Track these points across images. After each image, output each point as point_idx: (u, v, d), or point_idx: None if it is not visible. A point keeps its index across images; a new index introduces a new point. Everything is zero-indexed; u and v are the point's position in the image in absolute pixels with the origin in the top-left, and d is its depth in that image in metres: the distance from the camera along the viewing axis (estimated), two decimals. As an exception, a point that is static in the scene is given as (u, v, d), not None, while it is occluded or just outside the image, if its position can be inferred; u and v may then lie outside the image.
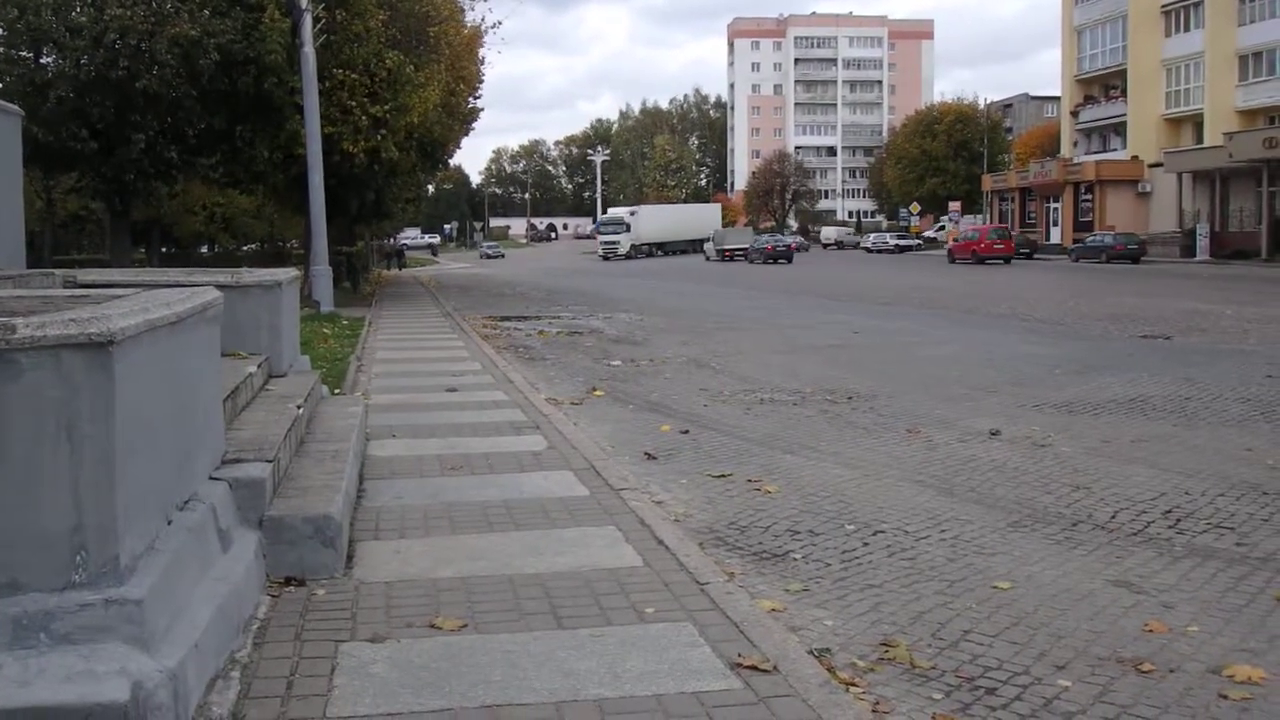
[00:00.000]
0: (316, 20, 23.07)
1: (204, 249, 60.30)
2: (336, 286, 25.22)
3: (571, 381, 13.02)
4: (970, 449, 8.65)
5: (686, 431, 9.49)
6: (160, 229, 48.81)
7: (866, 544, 6.05)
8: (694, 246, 76.83)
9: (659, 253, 74.86)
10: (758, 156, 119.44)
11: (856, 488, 7.35)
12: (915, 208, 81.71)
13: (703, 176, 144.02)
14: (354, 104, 25.01)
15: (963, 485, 7.43)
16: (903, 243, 73.94)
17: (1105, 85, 62.49)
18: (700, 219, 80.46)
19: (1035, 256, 56.29)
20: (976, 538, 6.16)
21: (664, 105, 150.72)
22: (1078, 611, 4.97)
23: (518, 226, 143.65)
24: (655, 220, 76.47)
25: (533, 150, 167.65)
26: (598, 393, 11.94)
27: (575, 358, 15.66)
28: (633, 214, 76.17)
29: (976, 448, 8.70)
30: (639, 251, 73.27)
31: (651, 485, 7.40)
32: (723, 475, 7.72)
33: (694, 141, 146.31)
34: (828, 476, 7.69)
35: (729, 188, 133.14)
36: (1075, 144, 65.04)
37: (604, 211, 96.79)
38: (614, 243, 73.63)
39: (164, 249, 53.05)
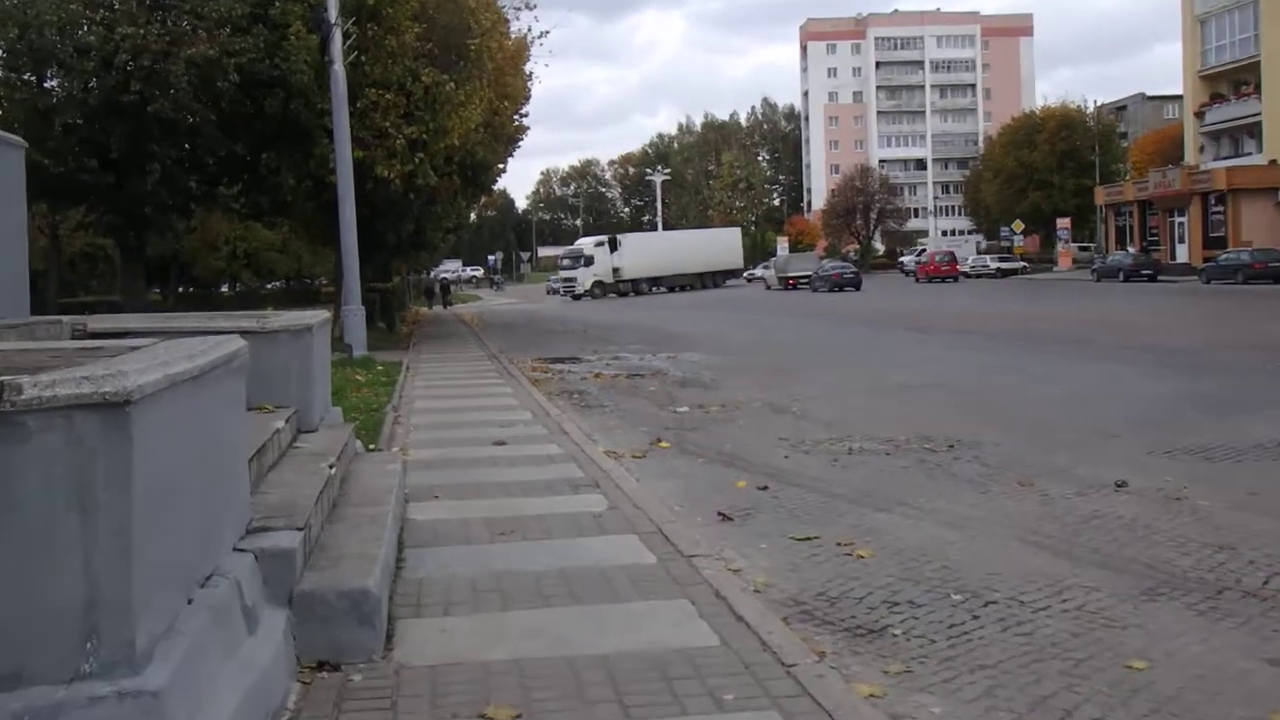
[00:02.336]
0: (346, 36, 23.53)
1: (224, 288, 61.55)
2: (370, 327, 25.58)
3: (633, 431, 13.01)
4: (1093, 503, 8.47)
5: (765, 488, 9.42)
6: (178, 266, 50.06)
7: (976, 616, 5.92)
8: (707, 280, 76.28)
9: (654, 289, 73.12)
10: (836, 172, 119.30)
11: (962, 550, 7.23)
12: (1018, 226, 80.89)
13: (775, 196, 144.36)
14: (388, 126, 25.46)
15: (1085, 546, 7.26)
16: (1005, 265, 73.31)
17: (1235, 81, 61.58)
18: (714, 247, 79.44)
19: (1159, 278, 55.40)
20: (1104, 608, 6.01)
21: (728, 118, 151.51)
22: (1228, 696, 4.81)
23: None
24: (645, 251, 74.92)
25: (584, 171, 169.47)
26: (663, 444, 11.91)
27: (636, 404, 15.68)
28: (605, 244, 74.62)
29: (1100, 502, 8.51)
30: (622, 288, 71.65)
31: (727, 550, 7.33)
32: (808, 538, 7.64)
33: (764, 157, 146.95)
34: (929, 537, 7.58)
35: (805, 208, 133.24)
36: (1201, 149, 64.12)
37: None
38: (570, 280, 72.78)
39: (181, 288, 54.32)
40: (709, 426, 13.20)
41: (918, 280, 71.35)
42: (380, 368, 20.73)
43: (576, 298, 69.92)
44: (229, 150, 25.15)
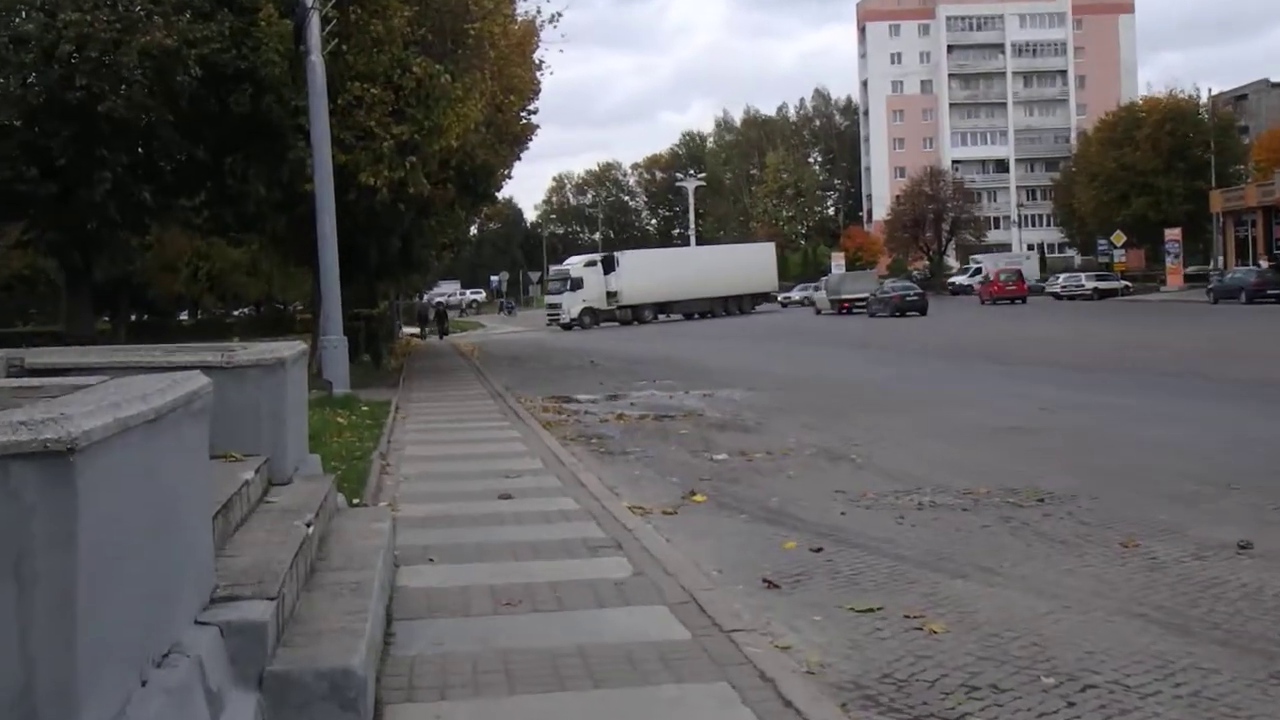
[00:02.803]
0: (325, 21, 23.73)
1: (184, 316, 62.08)
2: (354, 360, 25.69)
3: (663, 483, 13.05)
4: (1210, 568, 8.42)
5: (819, 549, 9.41)
6: (130, 291, 50.47)
7: (1072, 704, 5.90)
8: (732, 305, 76.73)
9: (661, 316, 73.43)
10: (902, 176, 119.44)
11: (1054, 624, 7.19)
12: (1118, 238, 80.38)
13: (829, 204, 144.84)
14: (374, 125, 25.68)
15: (1202, 620, 7.21)
16: (1103, 285, 73.09)
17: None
18: (741, 266, 79.62)
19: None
20: (1226, 694, 5.97)
21: (773, 113, 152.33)
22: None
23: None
24: (648, 271, 74.78)
25: (604, 176, 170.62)
26: (698, 497, 11.93)
27: (667, 450, 15.73)
28: (597, 264, 74.95)
29: (1219, 566, 8.46)
30: (620, 315, 71.87)
31: (774, 624, 7.33)
32: (870, 609, 7.62)
33: (816, 159, 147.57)
34: (1014, 609, 7.54)
35: (865, 218, 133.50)
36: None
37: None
38: (556, 307, 73.19)
39: (134, 316, 54.78)
40: (752, 477, 13.22)
41: (983, 302, 72.71)
42: (365, 408, 20.81)
43: (566, 327, 70.03)
44: (189, 155, 25.40)
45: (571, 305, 71.86)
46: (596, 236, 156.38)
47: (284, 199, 25.94)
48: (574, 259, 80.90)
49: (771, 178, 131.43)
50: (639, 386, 26.20)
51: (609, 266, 74.56)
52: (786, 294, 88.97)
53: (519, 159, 39.43)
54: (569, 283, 73.45)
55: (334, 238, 23.44)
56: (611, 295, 73.01)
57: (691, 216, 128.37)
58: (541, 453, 15.07)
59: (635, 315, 72.56)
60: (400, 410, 21.42)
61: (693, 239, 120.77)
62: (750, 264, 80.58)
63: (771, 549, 9.51)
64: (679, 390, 24.59)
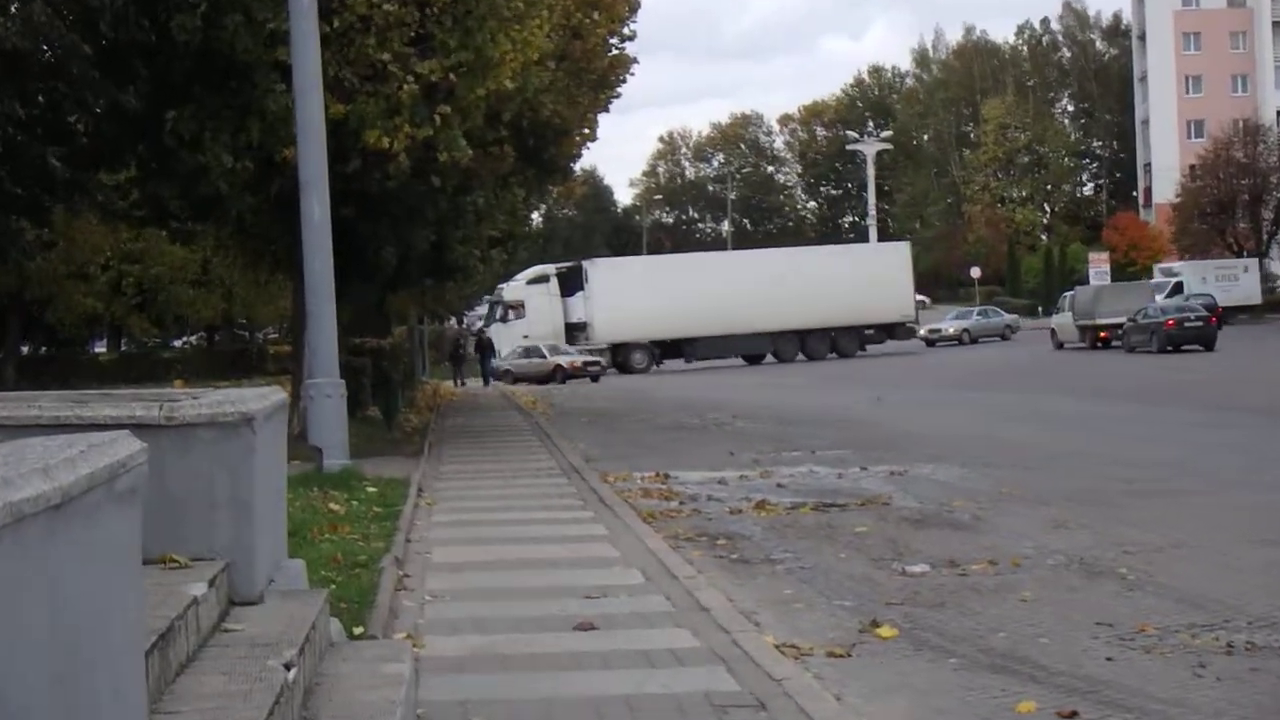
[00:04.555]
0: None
1: (99, 346, 63.10)
2: (355, 416, 25.87)
3: (829, 608, 13.02)
4: None
5: (1073, 715, 9.32)
6: (21, 309, 51.37)
7: None
8: (815, 343, 77.52)
9: (682, 358, 73.51)
10: (1198, 134, 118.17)
11: None
12: None
13: (1086, 177, 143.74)
14: (388, 60, 25.87)
15: None
16: None
17: None
18: (845, 279, 79.32)
19: None
20: None
21: (999, 41, 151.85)
22: None
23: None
24: (643, 288, 74.59)
25: (737, 134, 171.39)
26: (884, 631, 11.85)
27: (835, 558, 15.67)
28: (549, 281, 75.45)
29: None
30: (593, 364, 71.23)
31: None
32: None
33: (1064, 108, 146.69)
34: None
35: (1141, 198, 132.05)
36: None
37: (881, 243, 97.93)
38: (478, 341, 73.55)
39: (27, 347, 55.78)
40: (966, 599, 13.13)
41: None
42: (372, 489, 21.00)
43: (485, 380, 69.65)
44: (114, 105, 25.72)
45: (502, 344, 72.60)
46: (724, 227, 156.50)
47: (255, 171, 26.13)
48: (522, 276, 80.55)
49: (994, 137, 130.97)
50: (790, 458, 26.15)
51: (570, 284, 75.18)
52: (938, 326, 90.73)
53: (606, 110, 39.41)
54: (500, 311, 74.36)
55: (327, 228, 23.49)
56: (579, 330, 73.96)
57: (870, 195, 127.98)
58: (641, 560, 15.09)
59: (623, 359, 73.30)
60: (425, 493, 21.55)
61: (873, 230, 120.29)
62: (866, 277, 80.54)
63: (999, 714, 9.44)
64: (852, 465, 24.55)
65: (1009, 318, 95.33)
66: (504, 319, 73.90)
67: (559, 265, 79.95)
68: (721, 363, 75.21)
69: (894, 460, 24.92)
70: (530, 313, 72.27)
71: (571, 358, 69.66)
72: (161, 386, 10.70)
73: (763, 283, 77.09)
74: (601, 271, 76.97)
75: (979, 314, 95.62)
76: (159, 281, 56.11)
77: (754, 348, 76.63)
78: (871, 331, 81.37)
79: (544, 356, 69.69)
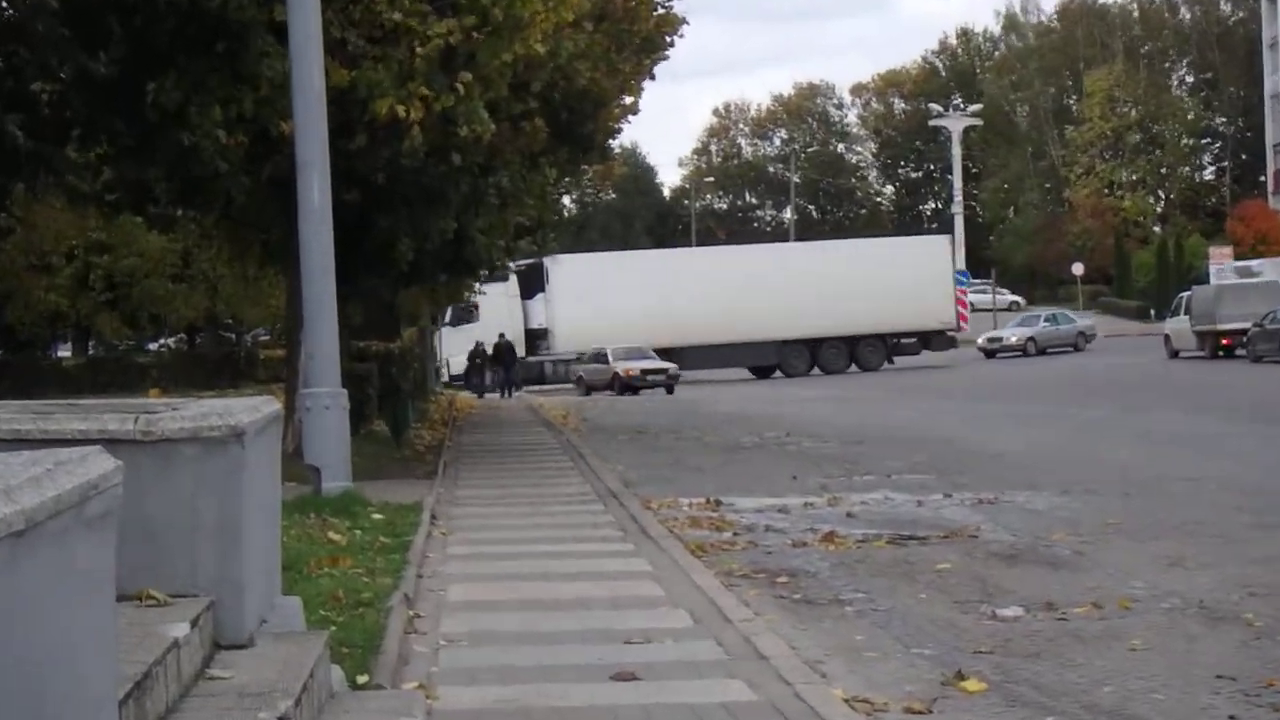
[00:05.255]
0: None
1: (63, 350, 63.19)
2: (359, 432, 25.89)
3: (906, 657, 13.01)
4: None
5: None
6: (-26, 306, 51.59)
7: None
8: (831, 354, 78.14)
9: (662, 377, 71.70)
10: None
11: None
12: None
13: (1204, 162, 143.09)
14: (400, 18, 25.93)
15: None
16: None
17: None
18: (867, 279, 79.23)
19: None
20: None
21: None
22: None
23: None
24: (613, 288, 74.93)
25: (803, 107, 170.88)
26: (970, 684, 11.84)
27: (913, 599, 15.66)
28: (510, 280, 75.25)
29: None
30: (552, 370, 72.65)
31: None
32: None
33: (1183, 79, 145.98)
34: None
35: (1269, 183, 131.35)
36: None
37: (965, 239, 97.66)
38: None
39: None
40: (1067, 648, 13.09)
41: None
42: (378, 516, 21.04)
43: (507, 392, 69.70)
44: (83, 72, 25.81)
45: (451, 349, 73.50)
46: (787, 215, 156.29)
47: (248, 149, 26.14)
48: (530, 262, 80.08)
49: (1099, 112, 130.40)
50: (861, 483, 26.19)
51: (532, 284, 75.65)
52: (996, 334, 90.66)
53: (651, 77, 39.31)
54: (450, 312, 74.06)
55: (328, 214, 23.43)
56: (540, 336, 74.52)
57: (956, 179, 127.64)
58: (689, 599, 15.07)
59: (589, 377, 72.11)
60: (439, 521, 21.59)
61: (958, 222, 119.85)
62: (881, 278, 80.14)
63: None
64: (933, 491, 24.56)
65: (1082, 323, 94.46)
66: (455, 322, 74.06)
67: (519, 262, 77.72)
68: (747, 373, 75.64)
69: (981, 486, 24.84)
70: (484, 316, 71.46)
71: (631, 363, 69.16)
72: (136, 396, 10.83)
73: (767, 283, 77.39)
74: (565, 269, 77.07)
75: (1046, 321, 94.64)
76: (132, 275, 55.96)
77: (755, 358, 76.94)
78: (909, 340, 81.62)
79: (606, 362, 69.72)
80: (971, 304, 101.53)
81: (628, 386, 66.92)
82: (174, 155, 26.49)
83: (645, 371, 68.71)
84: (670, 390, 67.19)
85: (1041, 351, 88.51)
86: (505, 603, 15.26)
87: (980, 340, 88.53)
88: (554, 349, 73.47)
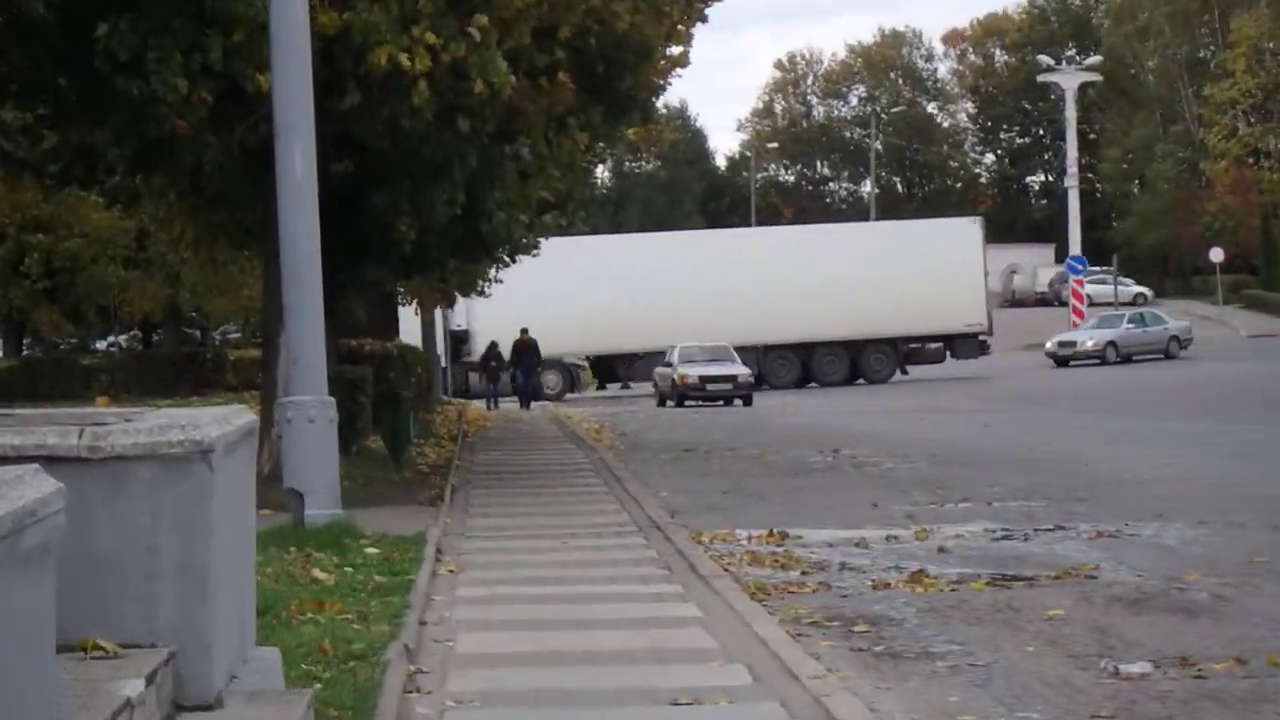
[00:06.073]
0: None
1: (-10, 348, 63.24)
2: (348, 450, 25.87)
3: (1010, 722, 12.89)
4: None
5: None
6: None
7: None
8: (825, 360, 78.25)
9: (622, 385, 74.05)
10: None
11: None
12: None
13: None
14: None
15: None
16: None
17: None
18: (862, 269, 79.11)
19: None
20: None
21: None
22: None
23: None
24: (562, 285, 73.91)
25: (885, 59, 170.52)
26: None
27: (1018, 652, 15.55)
28: None
29: None
30: (479, 385, 72.16)
31: None
32: None
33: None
34: None
35: None
36: None
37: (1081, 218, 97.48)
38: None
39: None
40: (1205, 712, 13.03)
41: None
42: (373, 550, 21.08)
43: (526, 402, 69.37)
44: (16, 13, 25.85)
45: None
46: (866, 189, 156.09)
47: (214, 108, 26.18)
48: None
49: (1244, 65, 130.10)
50: (955, 512, 26.24)
51: None
52: (1066, 339, 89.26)
53: (703, 20, 39.21)
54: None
55: (312, 187, 23.55)
56: (460, 340, 75.27)
57: (1070, 147, 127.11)
58: (748, 652, 14.99)
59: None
60: (447, 556, 21.58)
61: (1072, 195, 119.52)
62: (893, 270, 79.90)
63: None
64: (1043, 521, 24.50)
65: (1175, 326, 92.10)
66: None
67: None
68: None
69: (1100, 515, 24.78)
70: (404, 318, 71.52)
71: (693, 367, 67.83)
72: (81, 405, 10.72)
73: (744, 276, 77.24)
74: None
75: (1131, 322, 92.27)
76: (76, 259, 55.86)
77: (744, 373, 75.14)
78: (929, 345, 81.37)
79: (670, 365, 68.96)
80: (1089, 296, 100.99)
81: (686, 395, 66.50)
82: (127, 114, 26.50)
83: (706, 379, 67.27)
84: (747, 401, 66.00)
85: (1125, 359, 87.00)
86: (526, 656, 15.15)
87: (1049, 344, 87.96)
88: (474, 354, 73.56)
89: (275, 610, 14.60)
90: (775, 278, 77.05)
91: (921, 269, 79.91)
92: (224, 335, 65.63)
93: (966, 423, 46.96)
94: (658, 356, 72.58)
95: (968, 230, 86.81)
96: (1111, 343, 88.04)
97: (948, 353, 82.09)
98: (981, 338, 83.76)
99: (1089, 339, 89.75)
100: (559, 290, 73.39)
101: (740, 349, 72.54)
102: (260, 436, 15.99)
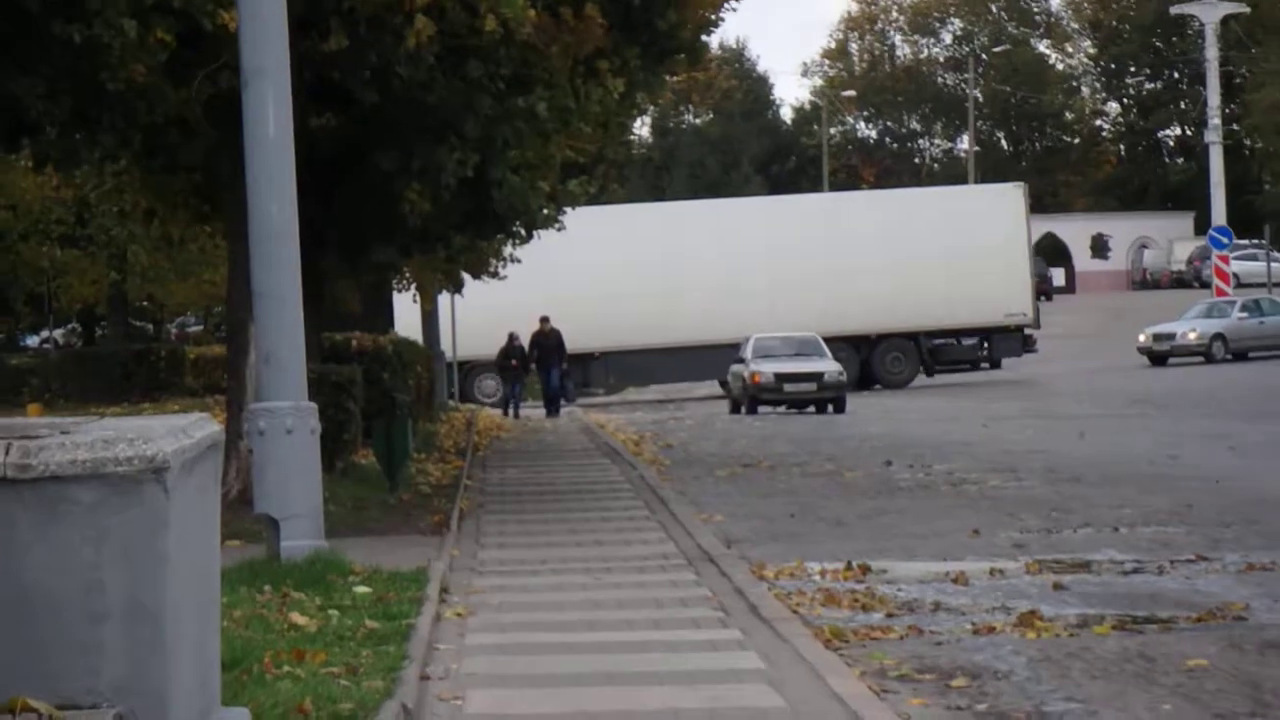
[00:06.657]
0: None
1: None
2: (333, 467, 25.83)
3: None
4: None
5: None
6: None
7: None
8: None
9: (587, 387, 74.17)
10: None
11: None
12: None
13: None
14: None
15: None
16: None
17: None
18: (877, 248, 79.74)
19: None
20: None
21: None
22: None
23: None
24: (514, 273, 73.07)
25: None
26: None
27: (1148, 710, 15.55)
28: None
29: None
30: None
31: None
32: None
33: None
34: None
35: None
36: None
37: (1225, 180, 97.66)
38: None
39: None
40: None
41: None
42: (363, 589, 20.96)
43: (554, 408, 70.31)
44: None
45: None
46: (963, 145, 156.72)
47: (175, 53, 26.11)
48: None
49: None
50: (1074, 540, 26.29)
51: None
52: (1163, 332, 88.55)
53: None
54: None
55: (288, 146, 23.39)
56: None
57: (1212, 92, 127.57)
58: (822, 711, 14.80)
59: (463, 385, 73.38)
60: (454, 595, 21.54)
61: (1214, 151, 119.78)
62: (915, 250, 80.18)
63: None
64: (1182, 551, 24.39)
65: None
66: None
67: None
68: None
69: (1252, 544, 24.82)
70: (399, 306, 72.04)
71: (766, 364, 67.37)
72: (8, 414, 10.41)
73: (733, 258, 77.79)
74: None
75: (1245, 310, 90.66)
76: (2, 236, 56.17)
77: (709, 369, 75.84)
78: (963, 342, 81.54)
79: (743, 361, 68.52)
80: (1235, 276, 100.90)
81: (757, 401, 66.11)
82: (63, 60, 26.38)
83: (783, 378, 66.65)
84: (839, 407, 65.60)
85: (1238, 356, 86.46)
86: (550, 718, 15.02)
87: (1142, 337, 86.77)
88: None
89: (246, 663, 14.38)
90: (761, 260, 78.29)
91: (951, 248, 79.99)
92: (181, 329, 66.22)
93: (1069, 430, 46.99)
94: (633, 357, 75.21)
95: (1007, 199, 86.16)
96: (1219, 336, 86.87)
97: (984, 349, 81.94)
98: (1027, 332, 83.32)
99: (1191, 330, 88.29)
100: (510, 281, 71.89)
101: (719, 346, 73.70)
102: (226, 451, 15.81)
